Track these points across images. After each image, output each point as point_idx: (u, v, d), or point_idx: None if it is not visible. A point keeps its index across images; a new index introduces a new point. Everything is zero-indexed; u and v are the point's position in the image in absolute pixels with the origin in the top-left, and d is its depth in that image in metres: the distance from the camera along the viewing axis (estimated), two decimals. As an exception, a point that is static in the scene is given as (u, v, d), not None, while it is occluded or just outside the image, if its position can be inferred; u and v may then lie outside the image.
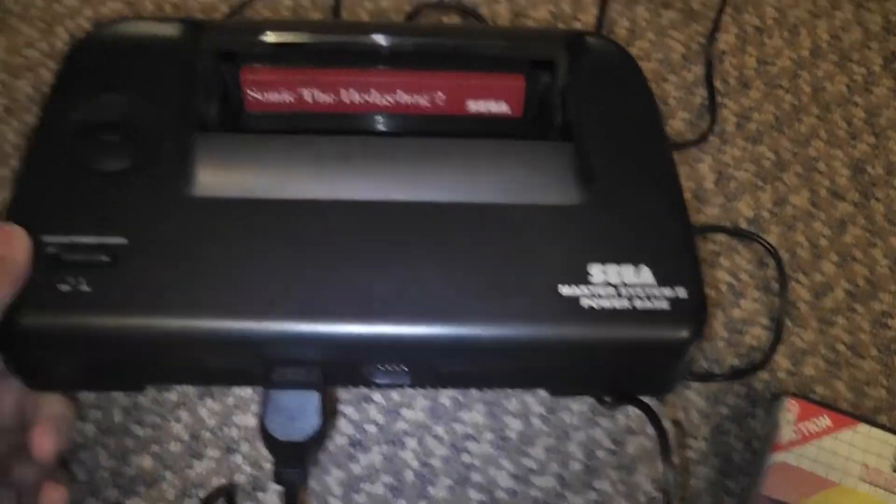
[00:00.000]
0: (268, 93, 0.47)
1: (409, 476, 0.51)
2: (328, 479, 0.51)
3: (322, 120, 0.48)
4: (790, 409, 0.51)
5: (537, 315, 0.41)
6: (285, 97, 0.47)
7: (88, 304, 0.40)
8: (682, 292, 0.42)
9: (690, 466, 0.53)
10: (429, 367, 0.43)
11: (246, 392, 0.53)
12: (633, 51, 0.61)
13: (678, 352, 0.42)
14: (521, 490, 0.51)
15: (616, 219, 0.44)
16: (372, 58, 0.48)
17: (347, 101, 0.48)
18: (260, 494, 0.50)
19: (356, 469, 0.51)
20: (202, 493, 0.50)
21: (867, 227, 0.59)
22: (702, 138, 0.59)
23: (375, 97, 0.48)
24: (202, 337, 0.40)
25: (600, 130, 0.47)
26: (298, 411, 0.41)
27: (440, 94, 0.48)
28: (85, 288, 0.40)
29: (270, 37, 0.48)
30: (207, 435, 0.52)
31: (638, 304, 0.41)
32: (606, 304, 0.41)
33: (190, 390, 0.53)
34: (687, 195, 0.57)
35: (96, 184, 0.43)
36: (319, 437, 0.41)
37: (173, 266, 0.41)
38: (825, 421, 0.51)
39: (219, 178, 0.44)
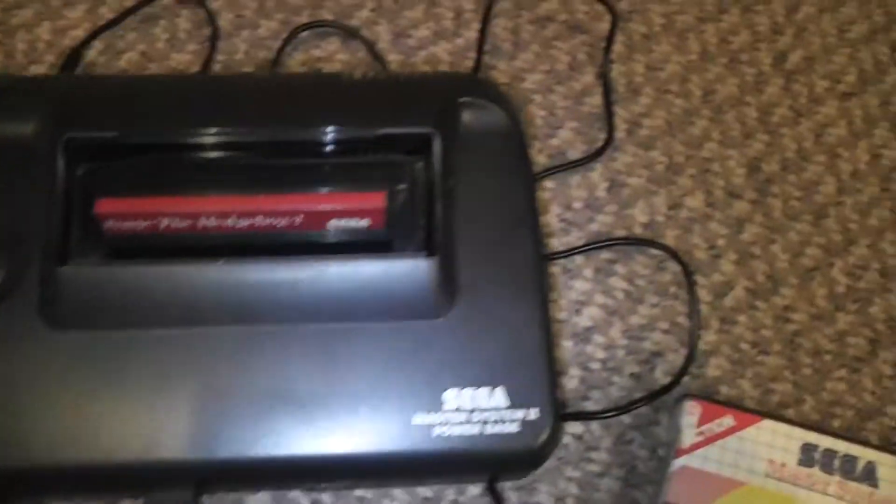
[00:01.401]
0: (125, 222, 0.46)
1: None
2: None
3: (185, 241, 0.47)
4: (692, 411, 0.49)
5: (391, 443, 0.43)
6: (142, 225, 0.46)
7: None
8: (533, 413, 0.43)
9: (593, 479, 0.51)
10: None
11: None
12: (518, 63, 0.61)
13: (526, 466, 0.46)
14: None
15: (476, 338, 0.45)
16: (226, 175, 0.48)
17: (203, 227, 0.47)
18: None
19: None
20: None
21: (765, 223, 0.58)
22: (599, 152, 0.58)
23: (234, 221, 0.47)
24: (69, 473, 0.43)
25: (468, 237, 0.47)
26: None
27: (298, 218, 0.47)
28: None
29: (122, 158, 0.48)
30: None
31: (488, 429, 0.43)
32: (457, 431, 0.43)
33: None
34: (579, 205, 0.56)
35: None
36: None
37: (37, 403, 0.42)
38: (728, 420, 0.49)
39: (81, 312, 0.44)
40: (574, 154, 0.59)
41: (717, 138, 0.60)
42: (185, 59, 0.60)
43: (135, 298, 0.45)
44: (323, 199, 0.47)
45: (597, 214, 0.57)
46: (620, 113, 0.60)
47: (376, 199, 0.47)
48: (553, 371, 0.45)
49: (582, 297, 0.55)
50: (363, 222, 0.47)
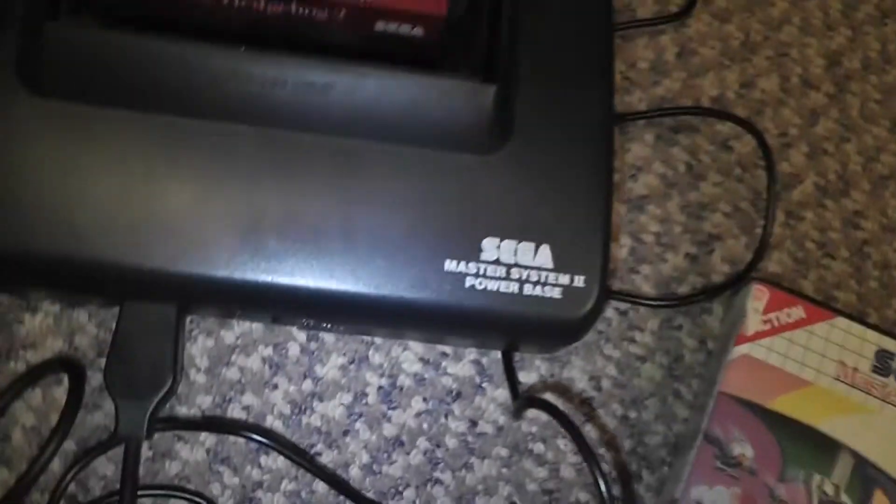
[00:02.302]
0: None
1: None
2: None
3: (203, 17, 0.38)
4: (758, 296, 0.43)
5: (415, 288, 0.36)
6: None
7: None
8: (579, 281, 0.37)
9: (634, 363, 0.44)
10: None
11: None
12: None
13: (561, 338, 0.39)
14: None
15: (526, 185, 0.37)
16: None
17: (227, 3, 0.38)
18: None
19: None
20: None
21: (841, 120, 0.52)
22: (684, 12, 0.51)
23: (264, 4, 0.38)
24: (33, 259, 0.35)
25: (534, 69, 0.39)
26: None
27: (340, 12, 0.38)
28: None
29: None
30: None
31: (526, 290, 0.36)
32: (492, 286, 0.36)
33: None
34: (644, 66, 0.49)
35: None
36: None
37: (16, 184, 0.35)
38: (798, 312, 0.43)
39: (68, 79, 0.36)
40: (643, 12, 0.51)
41: (798, 24, 0.54)
42: None
43: (134, 74, 0.36)
44: None
45: (663, 78, 0.50)
46: (696, -21, 0.53)
47: (436, 4, 0.39)
48: (608, 238, 0.38)
49: (639, 163, 0.48)
50: (416, 30, 0.39)
